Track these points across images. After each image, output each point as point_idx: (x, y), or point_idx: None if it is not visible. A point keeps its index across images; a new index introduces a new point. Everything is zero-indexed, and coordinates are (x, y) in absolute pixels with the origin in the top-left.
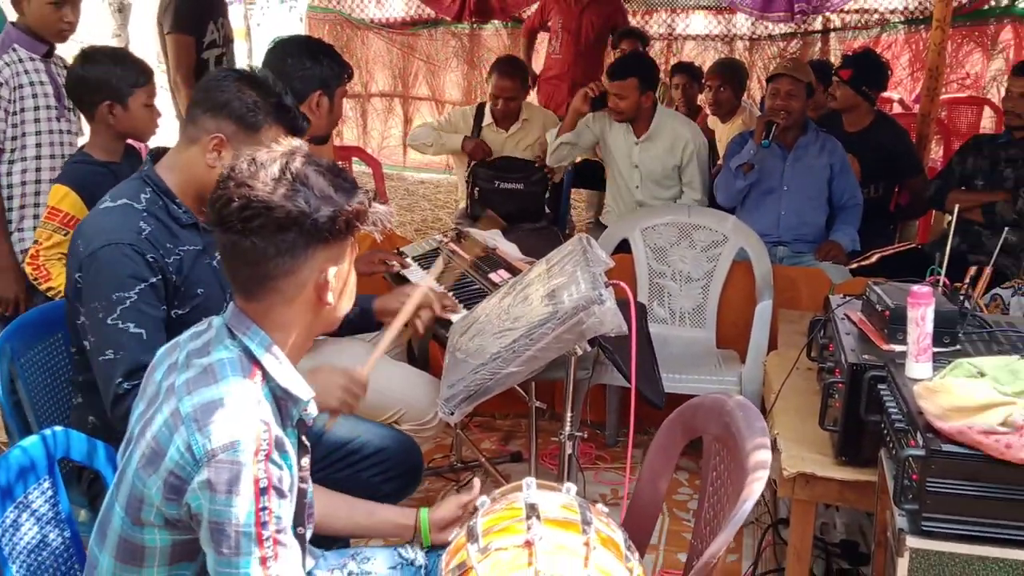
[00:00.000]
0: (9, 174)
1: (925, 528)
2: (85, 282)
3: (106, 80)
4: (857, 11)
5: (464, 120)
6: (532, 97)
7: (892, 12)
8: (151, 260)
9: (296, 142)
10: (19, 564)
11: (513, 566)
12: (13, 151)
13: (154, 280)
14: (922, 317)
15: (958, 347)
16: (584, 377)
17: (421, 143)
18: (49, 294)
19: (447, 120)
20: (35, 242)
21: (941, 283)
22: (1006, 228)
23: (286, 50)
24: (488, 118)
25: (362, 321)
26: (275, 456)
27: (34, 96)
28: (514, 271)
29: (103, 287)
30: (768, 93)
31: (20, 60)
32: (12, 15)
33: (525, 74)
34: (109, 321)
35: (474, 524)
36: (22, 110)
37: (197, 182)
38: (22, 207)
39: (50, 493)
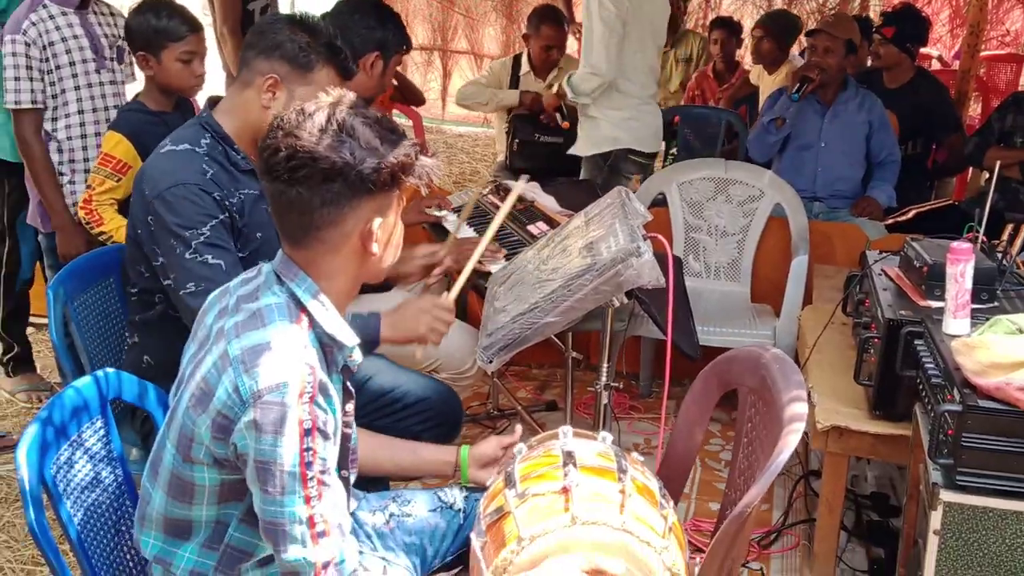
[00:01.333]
0: (55, 131)
1: (960, 483)
2: (157, 224)
3: (141, 31)
4: None
5: (505, 71)
6: (574, 49)
7: None
8: (217, 198)
9: (341, 91)
10: (73, 500)
11: (550, 512)
12: (55, 108)
13: (222, 217)
14: (961, 273)
15: (996, 304)
16: (620, 329)
17: (474, 102)
18: (101, 239)
19: (490, 74)
20: (88, 187)
21: (979, 240)
22: None
23: (355, 7)
24: (525, 67)
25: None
26: (319, 399)
27: (68, 51)
28: (552, 223)
29: (177, 226)
30: (807, 48)
31: (51, 16)
32: None
33: (567, 23)
34: (188, 256)
35: (511, 470)
36: (58, 67)
37: (253, 125)
38: (71, 161)
39: (103, 432)
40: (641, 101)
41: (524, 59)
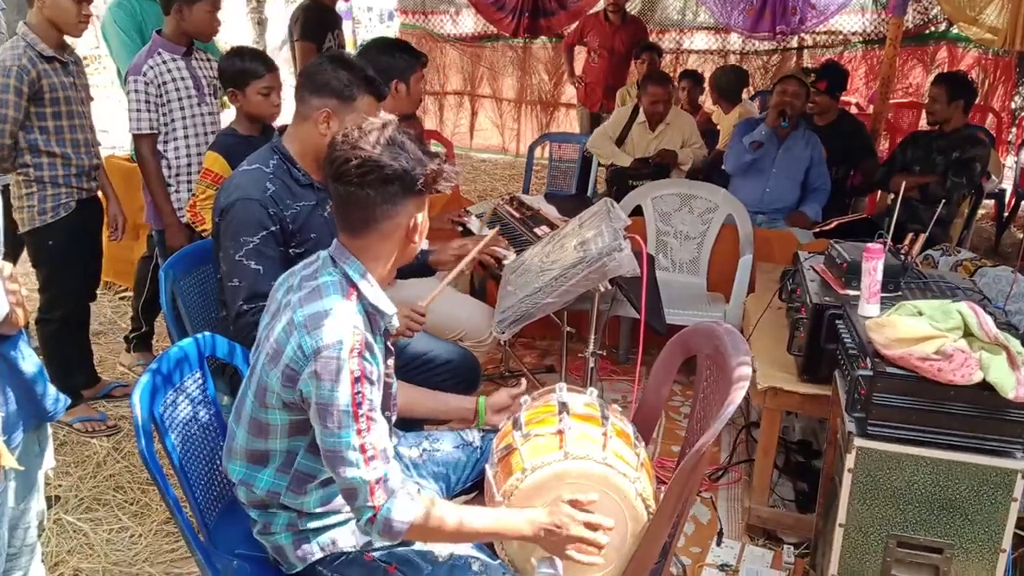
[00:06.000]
0: (165, 151)
1: (870, 432)
2: (222, 225)
3: (230, 72)
4: (825, 32)
5: (623, 118)
6: (573, 96)
7: (853, 34)
8: (272, 213)
9: (387, 115)
10: (176, 433)
11: (547, 448)
12: (166, 134)
13: (273, 228)
14: (874, 268)
15: (900, 293)
16: (604, 309)
17: (598, 152)
18: (204, 235)
19: (613, 123)
20: (193, 195)
21: (887, 245)
22: (941, 202)
23: (370, 49)
24: (641, 117)
25: (423, 269)
26: (366, 354)
27: (176, 89)
28: (553, 226)
29: (235, 231)
30: (777, 91)
31: (163, 62)
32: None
33: (671, 84)
34: (237, 257)
35: (518, 416)
36: (168, 101)
37: (314, 149)
38: (177, 175)
39: (200, 381)
40: None
41: (641, 111)
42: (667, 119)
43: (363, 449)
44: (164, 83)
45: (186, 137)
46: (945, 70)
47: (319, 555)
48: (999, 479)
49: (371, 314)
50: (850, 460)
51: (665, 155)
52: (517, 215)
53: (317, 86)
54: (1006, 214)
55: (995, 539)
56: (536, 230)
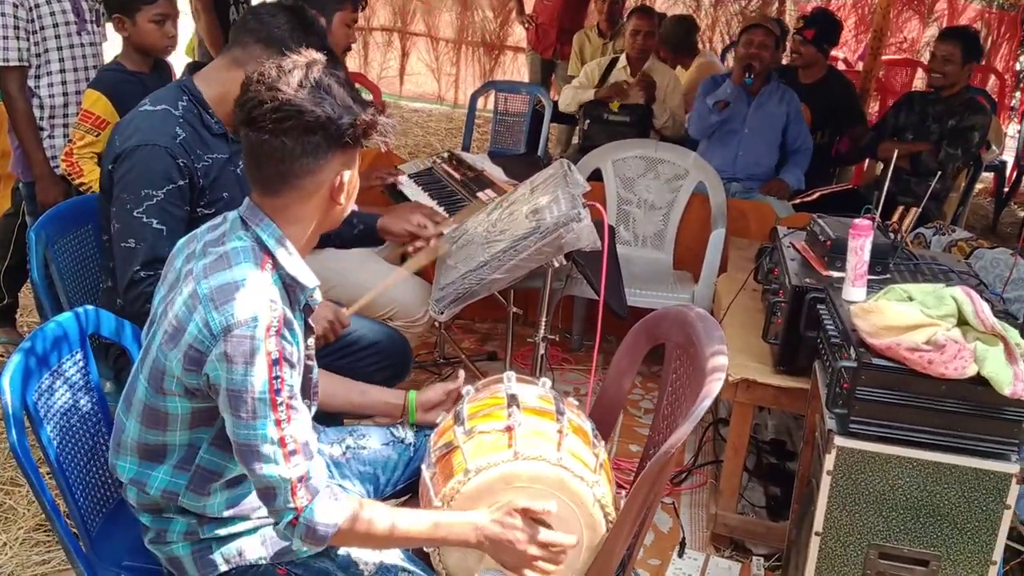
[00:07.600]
0: (37, 88)
1: (852, 430)
2: (118, 175)
3: None
4: None
5: (598, 70)
6: (522, 38)
7: None
8: (182, 164)
9: (315, 54)
10: (53, 425)
11: (494, 447)
12: (38, 67)
13: (181, 183)
14: (861, 247)
15: (888, 275)
16: (558, 288)
17: (566, 106)
18: (81, 189)
19: (586, 77)
20: (69, 141)
21: (875, 221)
22: (937, 174)
23: None
24: (623, 61)
25: (367, 238)
26: (285, 332)
27: (52, 14)
28: (499, 191)
29: (135, 182)
30: (743, 43)
31: None
32: None
33: (656, 20)
34: (135, 213)
35: (460, 409)
36: (42, 28)
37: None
38: (51, 117)
39: (81, 364)
40: None
41: (622, 57)
42: (648, 64)
43: (283, 442)
44: (37, 6)
45: (62, 71)
46: (944, 24)
47: (223, 568)
48: (992, 484)
49: (289, 286)
50: (829, 461)
51: (652, 84)
52: (457, 176)
53: (268, 38)
54: (1006, 189)
55: (985, 550)
56: (479, 194)
